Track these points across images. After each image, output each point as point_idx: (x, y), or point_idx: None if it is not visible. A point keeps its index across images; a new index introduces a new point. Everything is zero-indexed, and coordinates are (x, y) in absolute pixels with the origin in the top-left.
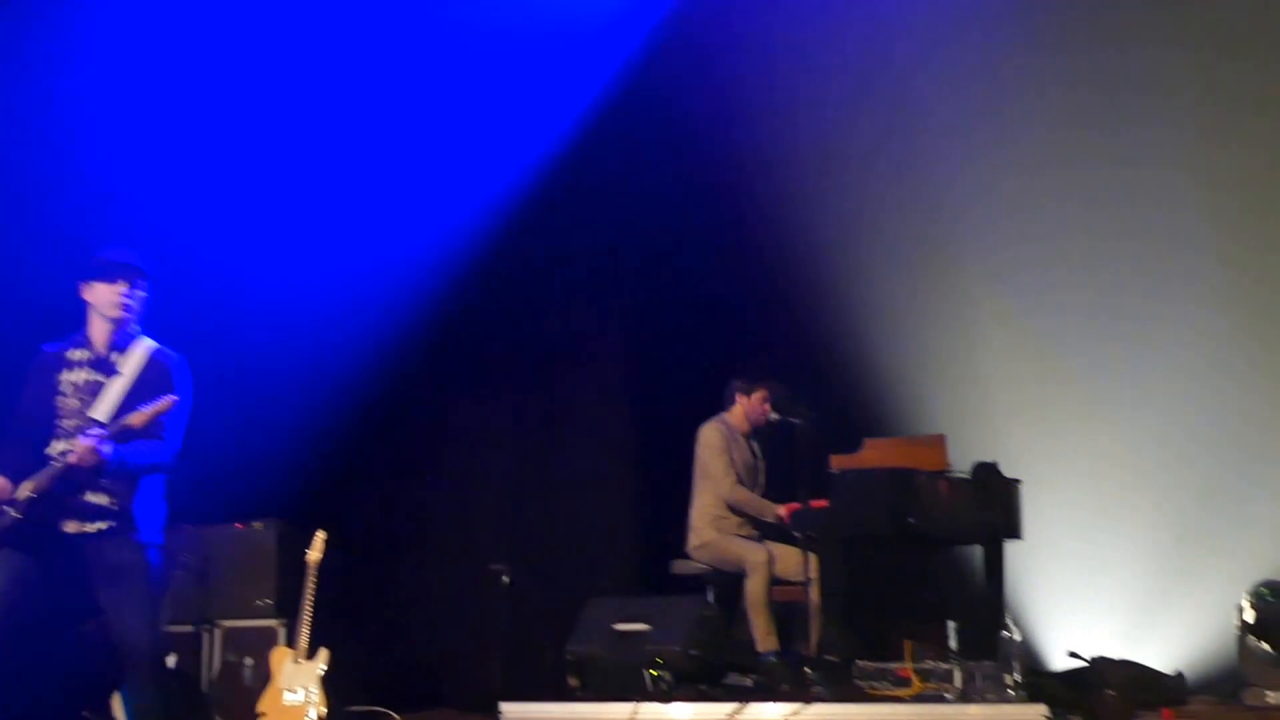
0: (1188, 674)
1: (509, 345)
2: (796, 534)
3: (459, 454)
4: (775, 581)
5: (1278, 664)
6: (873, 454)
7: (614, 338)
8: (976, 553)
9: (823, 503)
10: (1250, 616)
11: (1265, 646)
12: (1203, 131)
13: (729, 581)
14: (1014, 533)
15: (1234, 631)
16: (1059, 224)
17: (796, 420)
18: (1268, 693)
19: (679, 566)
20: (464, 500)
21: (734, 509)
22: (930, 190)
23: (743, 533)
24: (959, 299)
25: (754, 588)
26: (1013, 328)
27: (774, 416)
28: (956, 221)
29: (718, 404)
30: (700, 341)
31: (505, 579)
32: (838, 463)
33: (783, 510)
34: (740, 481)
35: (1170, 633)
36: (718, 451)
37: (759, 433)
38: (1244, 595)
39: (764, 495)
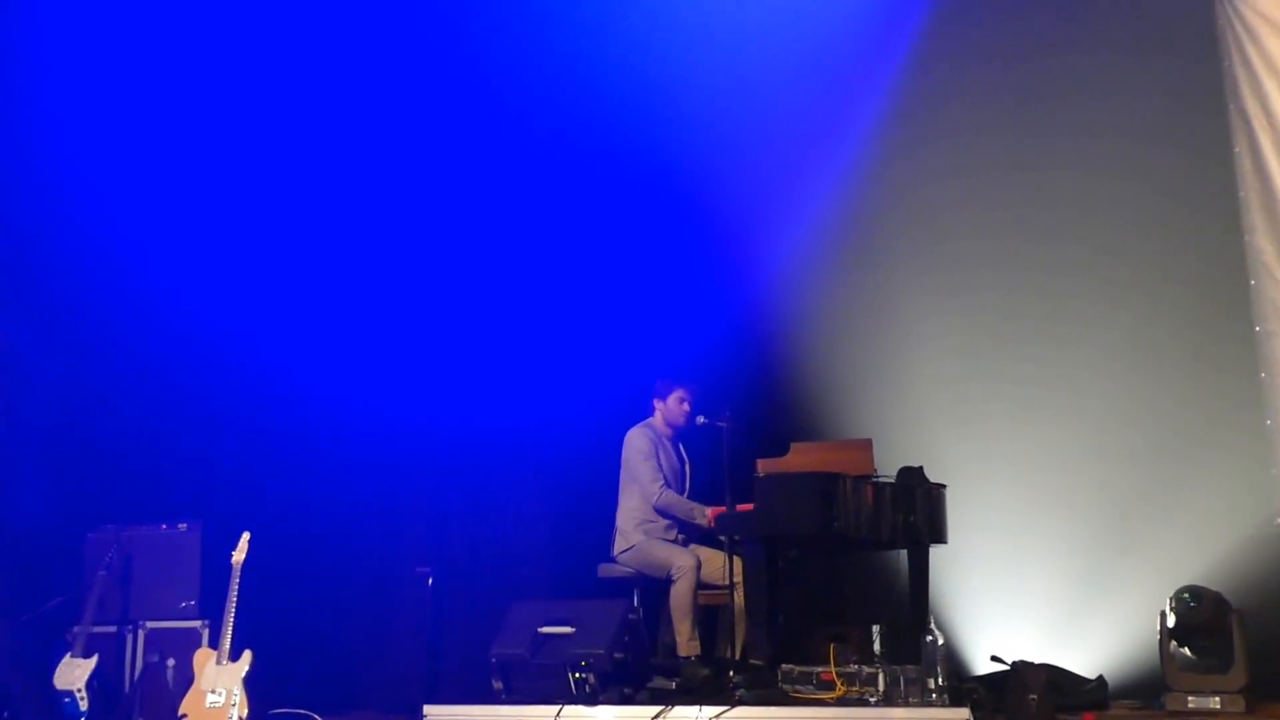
0: (1110, 679)
1: (434, 344)
2: (722, 538)
3: (385, 455)
4: (701, 586)
5: (1199, 669)
6: (799, 458)
7: (540, 338)
8: (901, 557)
9: (748, 506)
10: (1172, 622)
11: (1186, 652)
12: (1133, 134)
13: (655, 585)
14: (939, 537)
15: (1156, 637)
16: (987, 228)
17: (722, 424)
18: (1189, 698)
19: (605, 570)
20: (390, 501)
21: (662, 513)
22: (858, 194)
23: (669, 536)
24: (888, 303)
25: (680, 592)
26: (941, 333)
27: (700, 420)
28: (884, 225)
29: (646, 408)
30: (629, 345)
31: (430, 580)
32: (764, 466)
33: (711, 513)
34: (667, 485)
35: (1093, 637)
36: (645, 456)
37: (685, 436)
38: (1166, 601)
39: (690, 499)
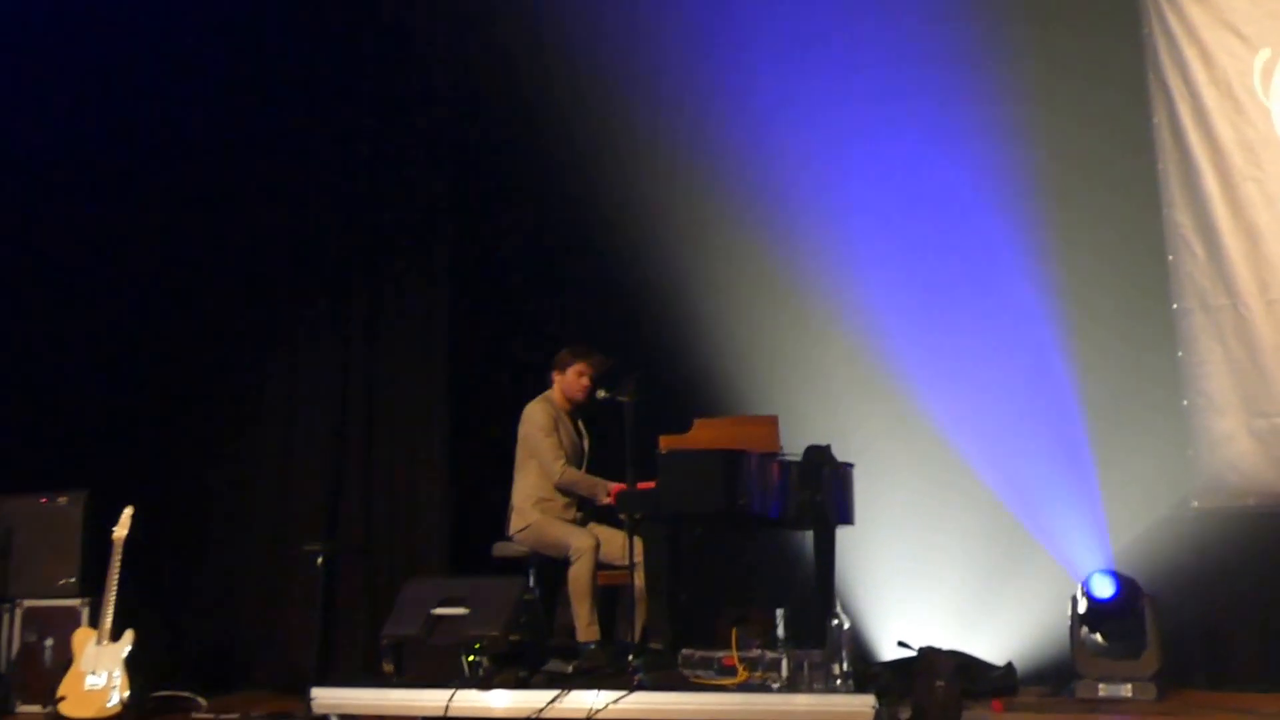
0: (1019, 665)
1: (325, 315)
2: (622, 516)
3: (274, 428)
4: (601, 566)
5: (1110, 655)
6: (703, 434)
7: (436, 311)
8: (807, 538)
9: (650, 484)
10: (1083, 607)
11: (1098, 638)
12: (1050, 105)
13: (551, 565)
14: (846, 518)
15: (1066, 622)
16: (895, 200)
17: (624, 398)
18: (1100, 685)
19: (500, 549)
20: (279, 476)
21: (565, 491)
22: (765, 165)
23: (568, 516)
24: (794, 276)
25: (578, 574)
26: (850, 307)
27: (600, 394)
28: (790, 195)
29: (542, 382)
30: (527, 317)
31: (319, 559)
32: (666, 443)
33: (613, 489)
34: (568, 462)
35: (1003, 623)
36: (545, 431)
37: (585, 411)
38: (1077, 586)
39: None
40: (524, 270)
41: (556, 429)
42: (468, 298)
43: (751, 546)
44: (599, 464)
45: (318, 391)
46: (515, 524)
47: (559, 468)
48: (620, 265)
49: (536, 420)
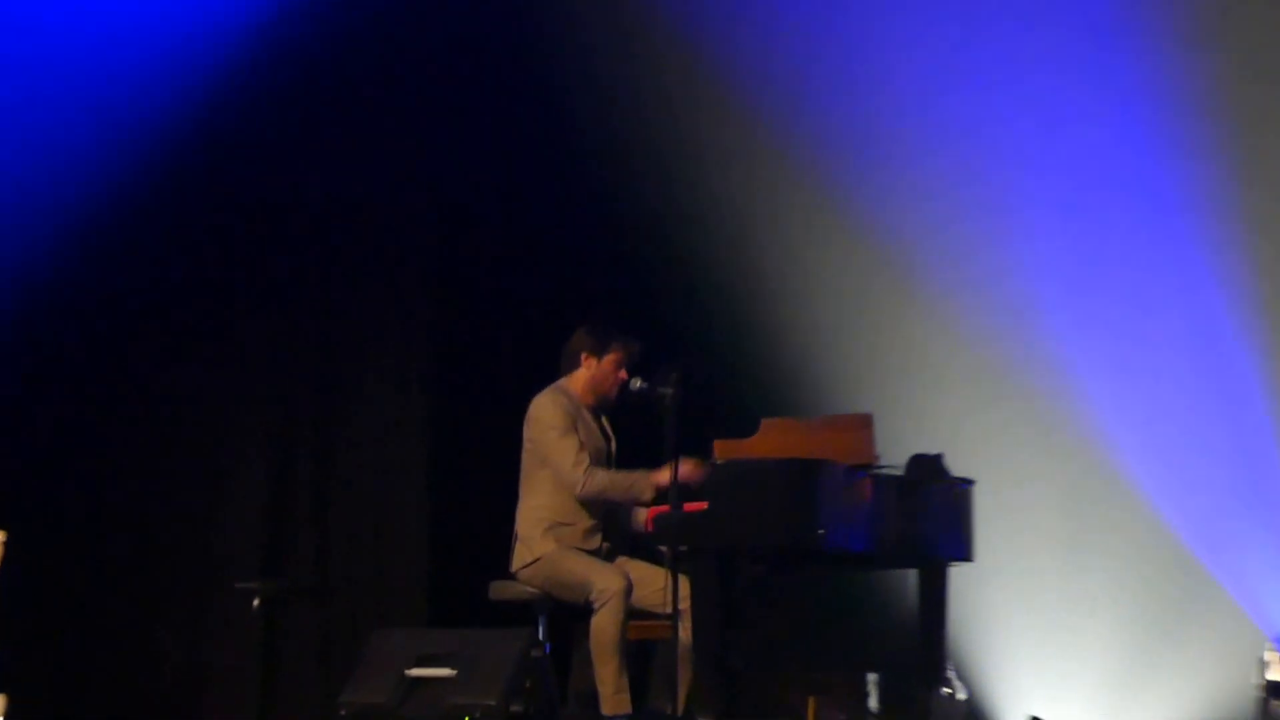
0: None
1: (262, 293)
2: (662, 549)
3: (199, 434)
4: (632, 614)
5: None
6: (771, 439)
7: (415, 287)
8: (909, 579)
9: (699, 506)
10: (1276, 674)
11: None
12: (1198, 109)
13: (567, 612)
14: (961, 552)
15: (1252, 691)
16: (1040, 157)
17: (665, 391)
18: None
19: (499, 590)
20: (207, 497)
21: (589, 503)
22: (869, 107)
23: (590, 545)
24: (896, 237)
25: (603, 625)
26: (972, 280)
27: (635, 386)
28: (902, 146)
29: (552, 373)
30: (530, 293)
31: (257, 601)
32: (722, 451)
33: (649, 515)
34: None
35: (1169, 693)
36: (561, 430)
37: (610, 408)
38: (1265, 645)
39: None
40: (524, 226)
41: (575, 427)
42: (454, 260)
43: (833, 590)
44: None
45: (256, 389)
46: (520, 557)
47: (580, 474)
48: (648, 218)
49: (548, 419)
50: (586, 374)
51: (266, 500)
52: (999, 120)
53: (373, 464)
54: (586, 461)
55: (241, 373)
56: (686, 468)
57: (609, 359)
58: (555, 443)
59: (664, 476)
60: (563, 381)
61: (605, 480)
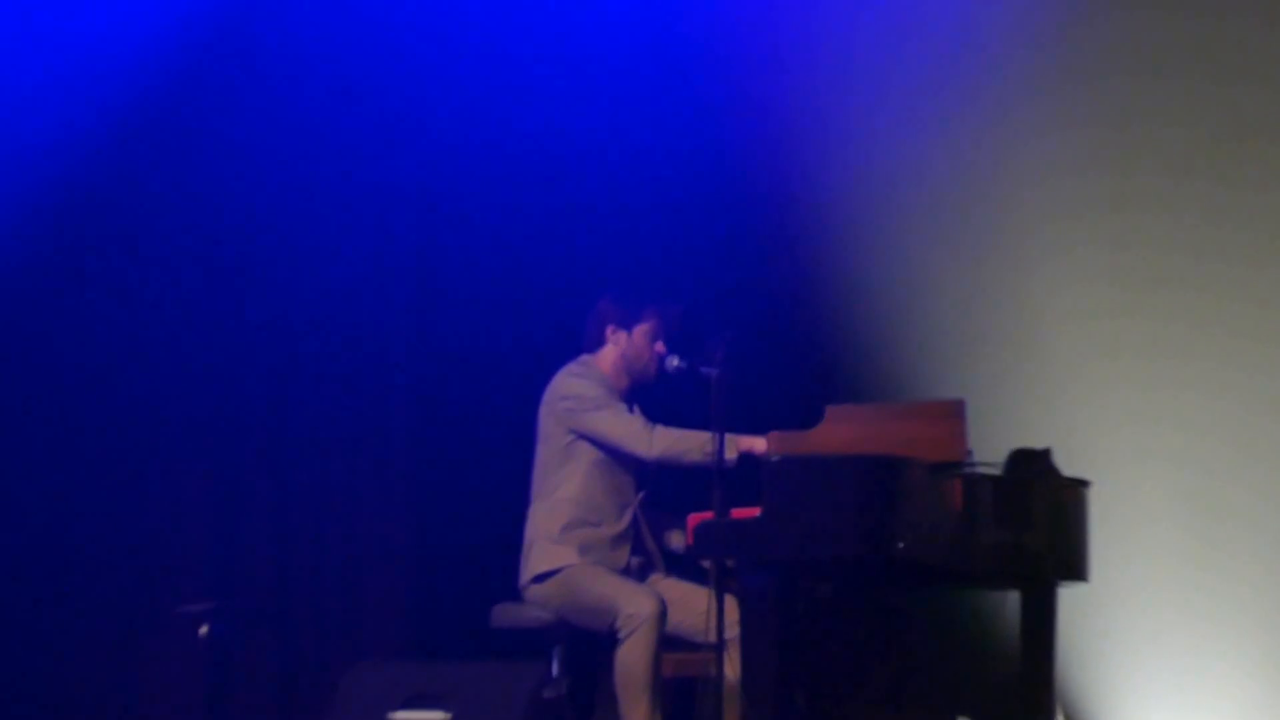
0: None
1: (212, 277)
2: (705, 563)
3: (137, 437)
4: (668, 644)
5: None
6: (839, 431)
7: (390, 260)
8: (1010, 602)
9: (751, 512)
10: None
11: None
12: None
13: (588, 641)
14: (1074, 570)
15: None
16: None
17: (711, 371)
18: None
19: (504, 615)
20: (141, 503)
21: (667, 465)
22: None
23: (618, 558)
24: (998, 199)
25: (631, 658)
26: (1087, 248)
27: (673, 365)
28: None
29: (559, 358)
30: (528, 262)
31: (204, 629)
32: (780, 445)
33: (690, 524)
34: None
35: None
36: (598, 402)
37: (643, 392)
38: None
39: (647, 497)
40: (522, 184)
41: (610, 399)
42: (437, 230)
43: (915, 615)
44: (664, 478)
45: (201, 376)
46: (532, 565)
47: (645, 431)
48: (706, 179)
49: (578, 390)
50: (615, 351)
51: (211, 505)
52: None
53: (342, 461)
54: (643, 419)
55: (181, 358)
56: (758, 441)
57: (640, 330)
58: (597, 414)
59: (753, 442)
60: (587, 358)
61: (679, 434)
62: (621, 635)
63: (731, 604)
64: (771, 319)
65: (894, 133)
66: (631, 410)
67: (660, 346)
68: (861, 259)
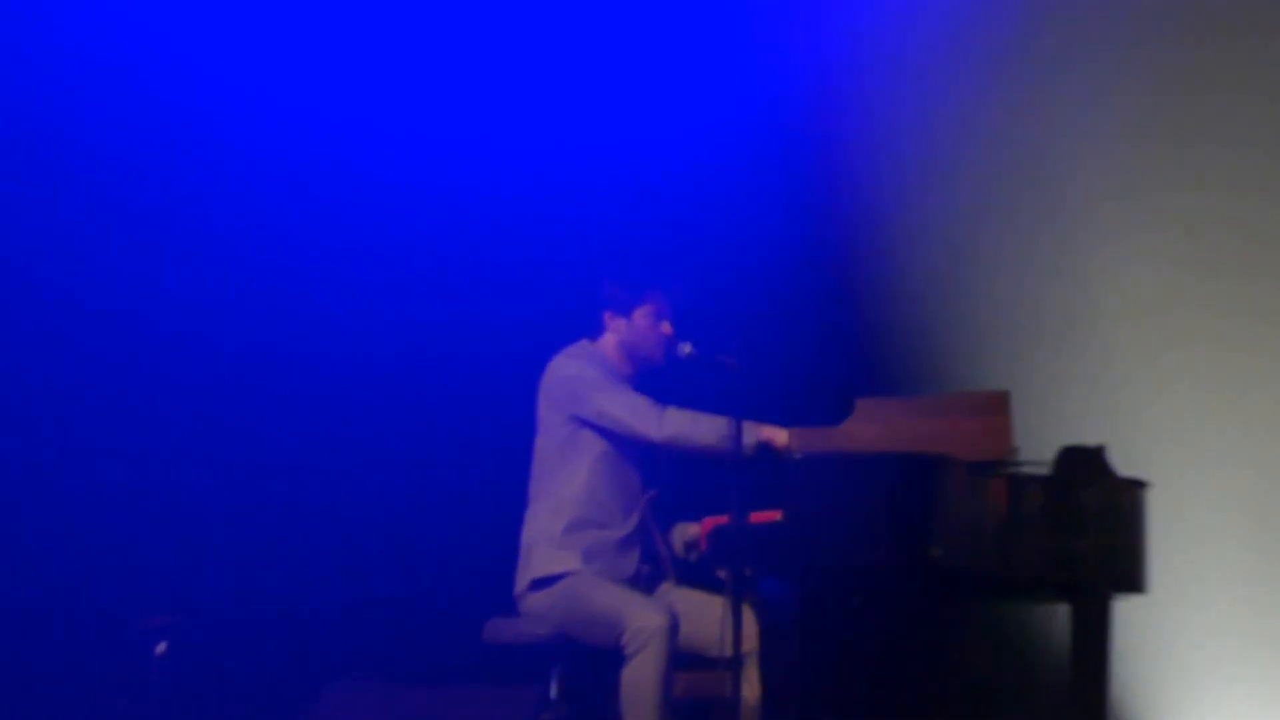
0: None
1: (189, 270)
2: (720, 573)
3: (95, 442)
4: (680, 662)
5: None
6: (869, 426)
7: (380, 238)
8: (1059, 617)
9: (771, 515)
10: None
11: None
12: None
13: (591, 659)
14: (1131, 581)
15: None
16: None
17: (727, 360)
18: None
19: (496, 630)
20: (98, 513)
21: (678, 448)
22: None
23: (625, 566)
24: (1049, 175)
25: (639, 676)
26: (1142, 231)
27: (685, 352)
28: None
29: (565, 335)
30: (549, 241)
31: (161, 647)
32: (804, 441)
33: (704, 526)
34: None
35: None
36: (601, 385)
37: (652, 382)
38: None
39: (656, 497)
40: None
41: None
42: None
43: (954, 630)
44: (675, 476)
45: (154, 367)
46: (530, 570)
47: (653, 410)
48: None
49: (578, 373)
50: (615, 339)
51: (167, 508)
52: None
53: (315, 458)
54: (649, 399)
55: (134, 356)
56: (779, 433)
57: (641, 313)
58: (599, 394)
59: (774, 434)
60: (587, 343)
61: (691, 416)
62: (628, 652)
63: (749, 616)
64: (796, 303)
65: (938, 104)
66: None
67: (666, 328)
68: (897, 237)
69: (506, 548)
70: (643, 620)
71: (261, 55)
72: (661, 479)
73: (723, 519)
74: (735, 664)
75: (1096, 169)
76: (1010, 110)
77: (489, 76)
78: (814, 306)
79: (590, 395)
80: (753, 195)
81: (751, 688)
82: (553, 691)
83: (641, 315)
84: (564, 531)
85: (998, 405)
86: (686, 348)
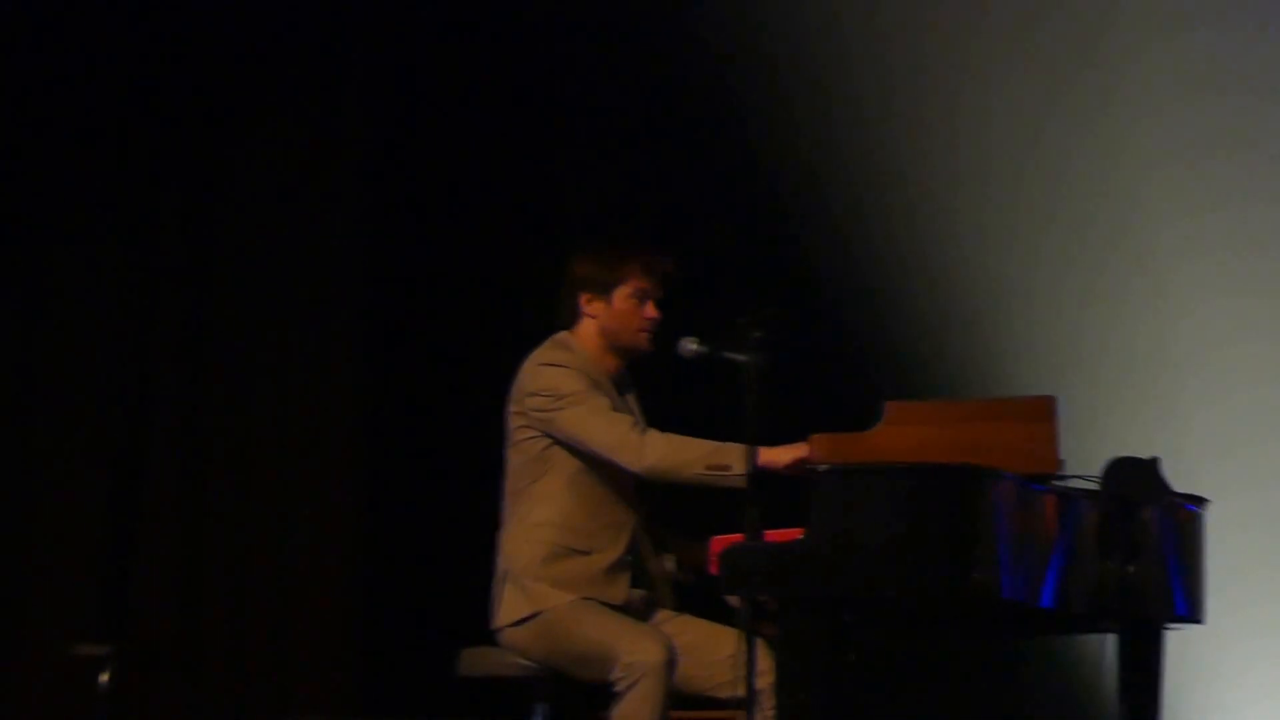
0: None
1: (106, 219)
2: (730, 600)
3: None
4: (680, 701)
5: None
6: (901, 434)
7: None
8: (1108, 649)
9: (790, 534)
10: None
11: None
12: None
13: (578, 694)
14: (1187, 608)
15: None
16: None
17: (741, 359)
18: None
19: (473, 662)
20: (15, 525)
21: (657, 479)
22: None
23: (614, 591)
24: (1098, 149)
25: (633, 714)
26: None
27: (690, 349)
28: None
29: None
30: (509, 211)
31: (104, 676)
32: (828, 450)
33: (712, 550)
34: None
35: None
36: (576, 396)
37: (642, 376)
38: None
39: (651, 511)
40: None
41: (595, 389)
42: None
43: (998, 666)
44: (679, 494)
45: (87, 370)
46: (508, 608)
47: (634, 436)
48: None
49: (550, 382)
50: (595, 326)
51: (103, 529)
52: None
53: (270, 472)
54: (632, 419)
55: (64, 334)
56: (782, 453)
57: (622, 294)
58: (571, 412)
59: (776, 455)
60: (563, 336)
61: (677, 444)
62: (620, 688)
63: (763, 649)
64: (819, 294)
65: (973, 77)
66: (624, 395)
67: (651, 309)
68: (932, 222)
69: (486, 567)
70: (637, 653)
71: None
72: (659, 490)
73: (736, 538)
74: (750, 702)
75: (1156, 135)
76: (1054, 83)
77: None
78: (839, 297)
79: (561, 413)
80: (777, 173)
81: None
82: None
83: (622, 296)
84: (542, 563)
85: (1043, 412)
86: (693, 344)
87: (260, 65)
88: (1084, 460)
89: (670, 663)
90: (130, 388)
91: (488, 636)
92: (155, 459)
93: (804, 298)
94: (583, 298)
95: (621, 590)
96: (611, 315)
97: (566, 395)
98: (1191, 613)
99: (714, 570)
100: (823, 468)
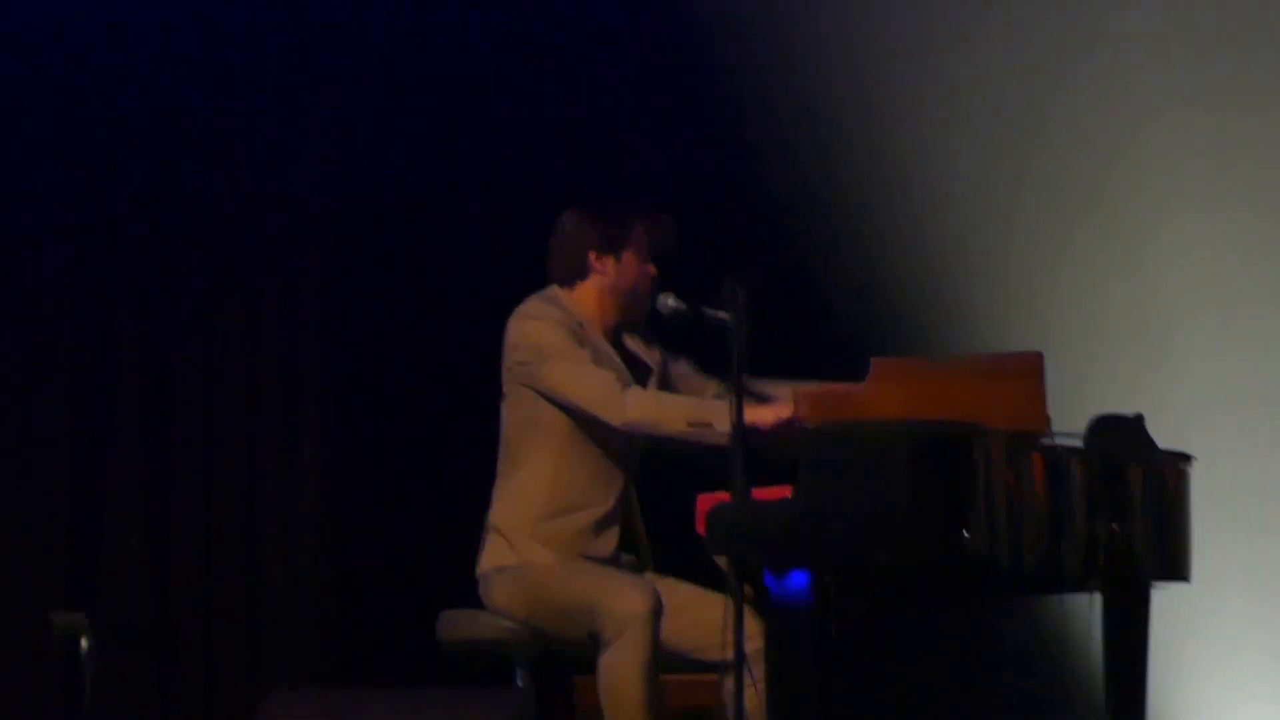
0: None
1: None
2: (719, 560)
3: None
4: (670, 663)
5: None
6: (887, 391)
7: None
8: (1094, 610)
9: (778, 491)
10: None
11: None
12: None
13: (562, 656)
14: (1174, 569)
15: None
16: None
17: (721, 316)
18: None
19: (452, 624)
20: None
21: (639, 432)
22: None
23: (603, 546)
24: (1097, 104)
25: (620, 664)
26: (1207, 173)
27: (669, 306)
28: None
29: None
30: (495, 171)
31: (84, 642)
32: (815, 408)
33: (700, 507)
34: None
35: None
36: (559, 350)
37: (635, 335)
38: None
39: (639, 469)
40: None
41: (583, 346)
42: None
43: (986, 632)
44: (667, 453)
45: (48, 336)
46: (492, 555)
47: (617, 391)
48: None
49: (536, 337)
50: (603, 283)
51: (70, 493)
52: None
53: (241, 437)
54: (616, 373)
55: (41, 331)
56: (765, 413)
57: (629, 254)
58: (555, 364)
59: (760, 414)
60: (553, 289)
61: (660, 400)
62: (606, 638)
63: (751, 612)
64: (803, 249)
65: (975, 33)
66: (623, 347)
67: (651, 268)
68: (916, 181)
69: (468, 531)
70: (622, 602)
71: None
72: (654, 459)
73: (721, 496)
74: (738, 664)
75: (1151, 97)
76: (1055, 49)
77: None
78: (822, 251)
79: (543, 368)
80: (763, 126)
81: (754, 697)
82: (519, 687)
83: (633, 255)
84: (532, 522)
85: (1029, 369)
86: (670, 301)
87: None
88: (1069, 418)
89: (656, 611)
90: (94, 350)
91: (468, 601)
92: (121, 423)
93: (788, 254)
94: (591, 254)
95: (609, 543)
96: (621, 273)
97: (546, 349)
98: (1178, 571)
99: (700, 530)
100: (812, 426)
